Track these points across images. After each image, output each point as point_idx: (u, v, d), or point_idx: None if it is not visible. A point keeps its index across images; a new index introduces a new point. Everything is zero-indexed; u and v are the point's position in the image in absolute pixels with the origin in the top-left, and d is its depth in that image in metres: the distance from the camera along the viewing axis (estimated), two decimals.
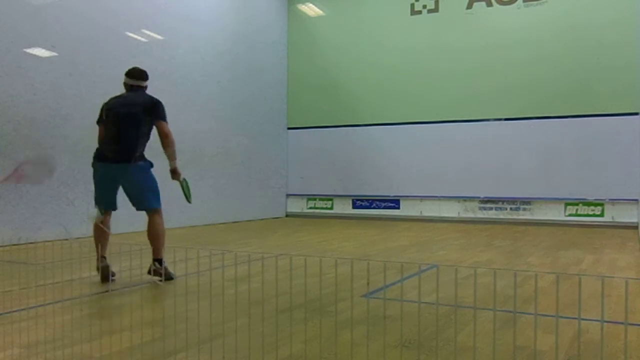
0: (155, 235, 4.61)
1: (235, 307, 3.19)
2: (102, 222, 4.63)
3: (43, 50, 7.61)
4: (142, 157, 4.64)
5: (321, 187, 12.52)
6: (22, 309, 3.52)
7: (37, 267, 4.75)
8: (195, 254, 5.68)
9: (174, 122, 9.85)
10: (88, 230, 7.82)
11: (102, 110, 4.76)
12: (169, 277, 4.52)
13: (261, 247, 6.87)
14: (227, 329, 2.94)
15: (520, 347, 2.76)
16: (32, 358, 2.59)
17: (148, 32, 9.28)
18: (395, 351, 2.68)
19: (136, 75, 4.80)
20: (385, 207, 11.85)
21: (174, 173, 4.75)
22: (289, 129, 12.86)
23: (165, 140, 4.63)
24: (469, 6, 11.18)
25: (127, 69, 4.86)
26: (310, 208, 12.64)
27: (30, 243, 7.05)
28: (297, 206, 12.77)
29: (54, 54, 7.73)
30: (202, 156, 10.39)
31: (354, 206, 12.19)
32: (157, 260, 4.51)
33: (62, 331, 2.99)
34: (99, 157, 4.61)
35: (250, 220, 11.44)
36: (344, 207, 12.28)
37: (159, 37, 9.46)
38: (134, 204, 4.71)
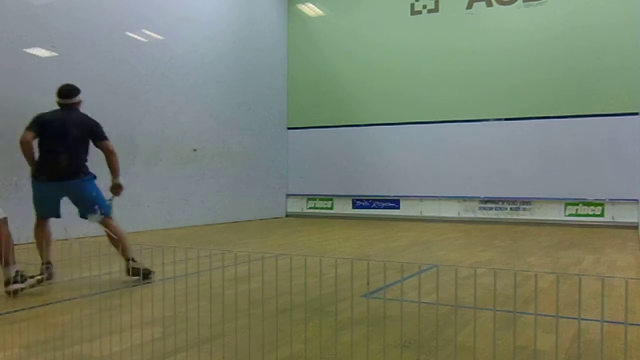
0: (119, 237, 4.66)
1: (235, 307, 3.18)
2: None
3: (43, 50, 7.61)
4: (87, 171, 4.70)
5: (321, 187, 12.51)
6: (22, 309, 3.52)
7: (37, 267, 4.74)
8: (195, 254, 5.68)
9: (174, 122, 9.94)
10: (88, 230, 7.83)
11: (35, 121, 4.67)
12: (148, 272, 4.56)
13: (261, 247, 6.87)
14: (227, 329, 2.94)
15: (520, 347, 2.76)
16: (32, 358, 2.59)
17: (148, 32, 9.28)
18: (395, 351, 2.68)
19: (63, 94, 4.79)
20: (385, 207, 11.85)
21: (119, 187, 4.79)
22: (289, 129, 12.86)
23: (111, 157, 4.72)
24: (469, 6, 11.17)
25: (58, 88, 4.85)
26: (310, 208, 12.64)
27: (31, 243, 7.04)
28: (297, 206, 12.77)
29: (54, 54, 7.73)
30: (203, 156, 10.40)
31: (354, 206, 12.19)
32: (131, 259, 4.58)
33: (62, 331, 2.99)
34: (44, 175, 4.59)
35: (250, 220, 11.44)
36: (344, 207, 12.27)
37: (159, 37, 9.46)
38: (82, 214, 4.72)
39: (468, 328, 3.09)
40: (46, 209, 4.67)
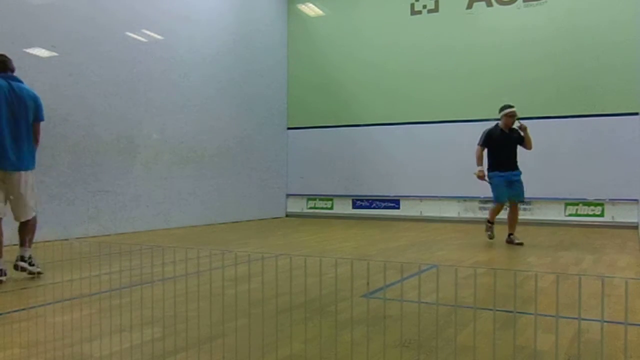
0: None
1: (235, 307, 3.18)
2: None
3: (43, 50, 7.61)
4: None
5: (321, 187, 12.51)
6: (22, 309, 3.52)
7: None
8: (195, 254, 5.68)
9: (174, 121, 9.93)
10: (88, 230, 7.84)
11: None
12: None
13: (261, 247, 6.87)
14: (227, 329, 2.94)
15: (520, 347, 2.76)
16: (32, 358, 2.59)
17: (148, 32, 9.28)
18: (395, 351, 2.68)
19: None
20: (385, 207, 11.85)
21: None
22: (289, 129, 12.86)
23: None
24: (469, 6, 11.17)
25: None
26: (310, 208, 12.64)
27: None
28: (297, 206, 12.77)
29: (54, 54, 7.73)
30: (202, 156, 10.39)
31: (354, 206, 12.19)
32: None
33: (62, 331, 2.99)
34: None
35: (250, 220, 11.44)
36: (344, 207, 12.27)
37: (159, 37, 9.46)
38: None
39: (468, 328, 3.09)
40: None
